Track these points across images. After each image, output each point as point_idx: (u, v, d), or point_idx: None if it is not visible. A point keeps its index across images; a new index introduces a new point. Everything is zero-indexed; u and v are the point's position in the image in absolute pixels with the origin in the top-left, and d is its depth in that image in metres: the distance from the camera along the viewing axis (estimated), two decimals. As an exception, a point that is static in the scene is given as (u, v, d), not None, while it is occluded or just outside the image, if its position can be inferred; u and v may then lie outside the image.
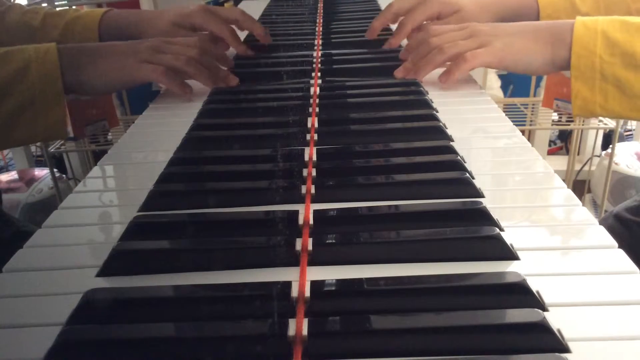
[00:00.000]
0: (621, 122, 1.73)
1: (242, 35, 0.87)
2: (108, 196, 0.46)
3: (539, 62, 0.60)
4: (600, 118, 1.49)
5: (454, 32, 0.65)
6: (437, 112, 0.55)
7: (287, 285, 0.30)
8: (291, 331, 0.27)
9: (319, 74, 0.70)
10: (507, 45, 0.61)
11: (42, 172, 1.68)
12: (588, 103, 0.57)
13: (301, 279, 0.31)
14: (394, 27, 0.82)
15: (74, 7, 1.67)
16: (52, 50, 0.57)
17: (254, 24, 0.81)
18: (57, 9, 0.79)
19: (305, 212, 0.39)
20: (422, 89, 0.62)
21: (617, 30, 0.55)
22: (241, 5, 1.38)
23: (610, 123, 1.50)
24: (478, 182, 0.41)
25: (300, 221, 0.37)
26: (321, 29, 0.96)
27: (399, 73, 0.67)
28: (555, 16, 0.75)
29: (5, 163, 2.25)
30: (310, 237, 0.35)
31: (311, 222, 0.37)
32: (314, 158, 0.47)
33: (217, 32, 0.77)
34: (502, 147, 0.50)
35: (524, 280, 0.30)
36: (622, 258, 0.33)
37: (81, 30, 0.75)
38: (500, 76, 1.83)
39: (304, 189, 0.41)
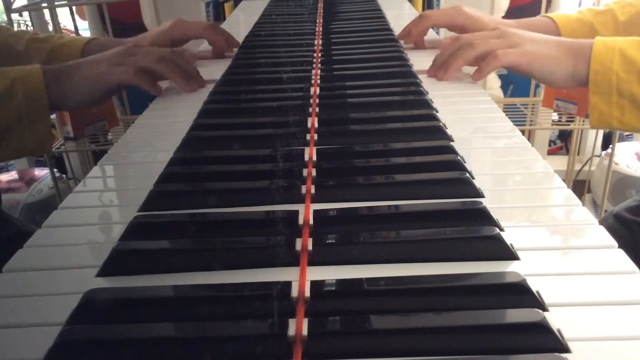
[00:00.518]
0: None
1: (244, 34, 0.87)
2: (108, 196, 0.46)
3: (562, 74, 0.61)
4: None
5: (485, 32, 0.66)
6: (437, 112, 0.55)
7: (287, 285, 0.30)
8: (291, 331, 0.27)
9: (319, 74, 0.70)
10: (536, 49, 0.62)
11: (42, 172, 1.68)
12: (605, 116, 0.59)
13: (301, 279, 0.31)
14: (396, 28, 0.83)
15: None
16: (37, 69, 0.59)
17: (222, 29, 0.86)
18: (43, 34, 0.82)
19: (305, 212, 0.39)
20: (422, 89, 0.62)
21: (635, 49, 0.57)
22: (241, 5, 1.38)
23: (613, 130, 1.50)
24: (478, 182, 0.41)
25: (300, 221, 0.37)
26: (321, 29, 0.96)
27: (429, 72, 0.69)
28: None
29: (6, 163, 2.24)
30: (310, 237, 0.35)
31: (311, 222, 0.37)
32: (314, 158, 0.47)
33: (195, 35, 0.83)
34: (502, 147, 0.50)
35: (524, 280, 0.30)
36: (622, 258, 0.32)
37: (63, 56, 0.77)
38: (500, 76, 1.83)
39: (304, 189, 0.41)
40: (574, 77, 0.61)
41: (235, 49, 0.87)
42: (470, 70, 0.71)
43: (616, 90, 0.57)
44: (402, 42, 0.85)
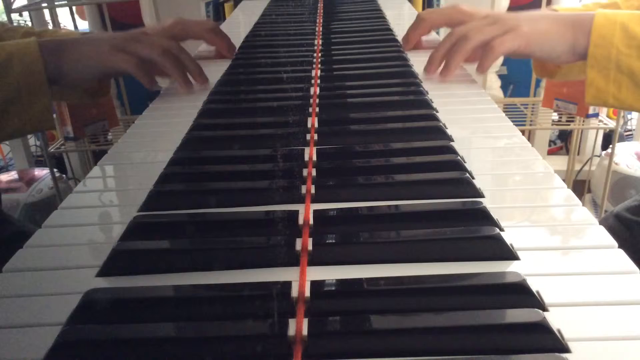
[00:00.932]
0: (621, 122, 1.73)
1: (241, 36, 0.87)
2: (108, 196, 0.46)
3: (562, 47, 0.60)
4: (601, 118, 1.49)
5: (478, 21, 0.65)
6: (437, 112, 0.55)
7: (287, 285, 0.30)
8: (291, 331, 0.27)
9: (319, 74, 0.70)
10: (532, 28, 0.61)
11: (42, 172, 1.68)
12: (601, 92, 0.58)
13: (301, 279, 0.31)
14: (396, 27, 0.83)
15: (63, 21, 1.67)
16: (33, 43, 0.58)
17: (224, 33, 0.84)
18: (38, 28, 0.81)
19: (305, 212, 0.39)
20: (422, 89, 0.62)
21: (636, 24, 0.55)
22: (241, 5, 1.38)
23: (610, 123, 1.50)
24: (478, 182, 0.41)
25: (300, 221, 0.37)
26: (321, 29, 0.96)
27: (429, 70, 0.68)
28: None
29: (6, 163, 2.25)
30: (310, 237, 0.35)
31: (311, 222, 0.37)
32: (314, 158, 0.47)
33: (197, 36, 0.81)
34: (502, 147, 0.50)
35: (524, 280, 0.30)
36: (622, 258, 0.32)
37: None
38: (500, 76, 1.83)
39: (304, 189, 0.41)
40: (575, 50, 0.59)
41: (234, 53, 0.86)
42: (470, 69, 0.71)
43: (615, 65, 0.56)
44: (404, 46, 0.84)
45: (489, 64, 0.63)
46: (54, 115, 1.28)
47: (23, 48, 0.58)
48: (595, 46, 0.57)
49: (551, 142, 2.07)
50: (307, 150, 0.48)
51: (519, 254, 0.33)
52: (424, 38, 0.85)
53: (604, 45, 0.57)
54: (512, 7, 1.68)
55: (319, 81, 0.67)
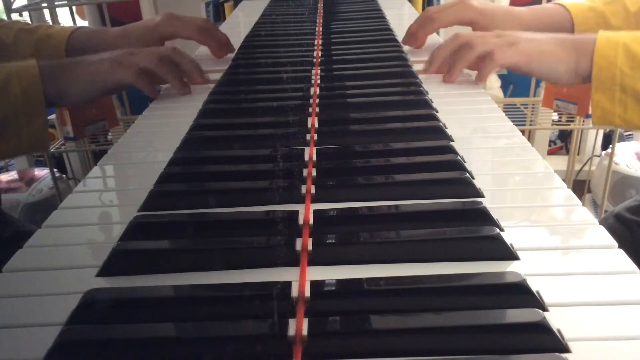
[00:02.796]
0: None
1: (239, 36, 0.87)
2: (108, 196, 0.46)
3: (564, 69, 0.60)
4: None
5: (483, 32, 0.65)
6: (437, 112, 0.55)
7: (287, 285, 0.30)
8: (291, 331, 0.27)
9: (319, 74, 0.70)
10: (535, 47, 0.61)
11: (42, 172, 1.68)
12: (607, 114, 0.58)
13: (301, 279, 0.31)
14: (396, 27, 0.82)
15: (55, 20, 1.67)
16: (33, 64, 0.59)
17: (216, 31, 0.83)
18: (33, 23, 0.81)
19: (305, 212, 0.39)
20: (422, 89, 0.62)
21: (639, 44, 0.56)
22: (241, 5, 1.38)
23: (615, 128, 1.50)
24: (478, 182, 0.41)
25: (300, 221, 0.37)
26: (321, 29, 0.96)
27: (429, 70, 0.68)
28: (589, 32, 0.75)
29: (5, 163, 2.24)
30: (310, 237, 0.35)
31: (311, 222, 0.37)
32: (314, 158, 0.47)
33: (186, 36, 0.80)
34: (502, 147, 0.50)
35: (524, 280, 0.30)
36: (622, 258, 0.32)
37: (50, 47, 0.77)
38: (500, 76, 1.83)
39: (304, 189, 0.41)
40: (577, 72, 0.60)
41: (231, 54, 0.85)
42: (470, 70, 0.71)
43: (620, 87, 0.56)
44: (406, 46, 0.83)
45: (487, 72, 0.63)
46: (54, 116, 1.28)
47: (22, 70, 0.58)
48: (598, 68, 0.57)
49: (551, 142, 2.07)
50: (307, 150, 0.48)
51: (519, 254, 0.33)
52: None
53: (607, 68, 0.57)
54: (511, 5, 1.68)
55: (319, 81, 0.67)
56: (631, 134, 2.08)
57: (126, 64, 0.63)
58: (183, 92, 0.68)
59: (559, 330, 0.27)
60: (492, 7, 0.79)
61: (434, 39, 0.90)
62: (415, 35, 0.81)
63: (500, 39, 0.63)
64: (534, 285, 0.30)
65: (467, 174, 0.41)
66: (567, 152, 1.96)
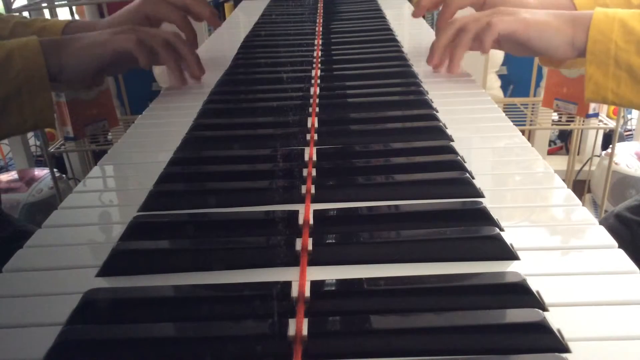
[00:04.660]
0: (621, 122, 1.73)
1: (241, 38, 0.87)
2: (108, 196, 0.46)
3: (561, 40, 0.60)
4: (600, 118, 1.49)
5: (478, 13, 0.65)
6: (437, 112, 0.55)
7: (287, 285, 0.30)
8: (291, 331, 0.27)
9: (319, 74, 0.70)
10: (532, 17, 0.61)
11: (42, 172, 1.68)
12: (600, 88, 0.58)
13: (301, 279, 0.31)
14: (396, 27, 0.82)
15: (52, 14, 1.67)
16: (34, 40, 0.59)
17: (203, 7, 0.80)
18: (30, 17, 0.80)
19: (305, 212, 0.39)
20: (422, 89, 0.62)
21: (635, 20, 0.56)
22: (241, 5, 1.38)
23: (610, 123, 1.50)
24: (478, 182, 0.41)
25: (300, 221, 0.37)
26: (321, 29, 0.96)
27: (430, 61, 0.68)
28: None
29: (5, 163, 2.25)
30: (310, 237, 0.35)
31: (311, 222, 0.37)
32: (314, 158, 0.47)
33: (169, 18, 0.78)
34: (502, 147, 0.50)
35: (524, 280, 0.30)
36: (622, 258, 0.32)
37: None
38: (500, 76, 1.83)
39: (304, 189, 0.41)
40: (574, 44, 0.60)
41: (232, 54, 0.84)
42: (470, 70, 0.71)
43: (614, 60, 0.56)
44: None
45: (489, 41, 0.63)
46: (54, 115, 1.28)
47: (24, 45, 0.58)
48: (593, 41, 0.57)
49: (551, 142, 2.07)
50: (307, 150, 0.48)
51: (519, 254, 0.33)
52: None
53: (602, 41, 0.57)
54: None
55: (319, 81, 0.67)
56: (631, 134, 2.08)
57: (127, 33, 0.63)
58: (182, 82, 0.68)
59: (559, 330, 0.27)
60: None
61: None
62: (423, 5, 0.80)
63: (497, 12, 0.63)
64: (534, 285, 0.30)
65: (467, 174, 0.41)
66: (567, 152, 1.96)
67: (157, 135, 0.56)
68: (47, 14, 1.70)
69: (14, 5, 1.46)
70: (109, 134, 1.56)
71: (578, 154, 1.87)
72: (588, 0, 0.76)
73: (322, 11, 1.12)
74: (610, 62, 0.57)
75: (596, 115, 1.46)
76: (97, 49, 0.62)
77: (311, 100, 0.60)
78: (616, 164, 1.63)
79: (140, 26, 0.67)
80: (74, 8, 1.93)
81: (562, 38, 0.60)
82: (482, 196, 0.40)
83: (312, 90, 0.64)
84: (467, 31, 0.63)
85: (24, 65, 0.57)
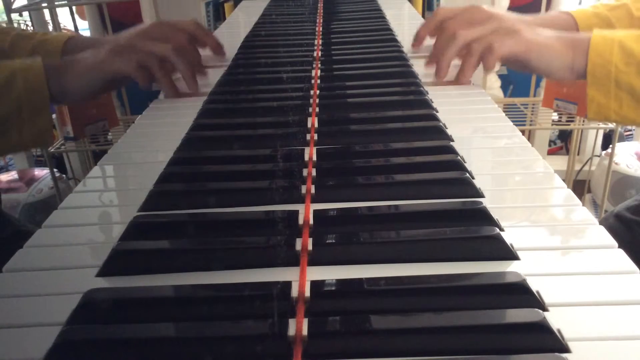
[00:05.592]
0: (621, 122, 1.73)
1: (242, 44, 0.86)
2: (108, 196, 0.46)
3: (560, 63, 0.60)
4: (600, 118, 1.49)
5: (481, 27, 0.64)
6: (437, 112, 0.55)
7: (287, 285, 0.30)
8: (291, 331, 0.27)
9: (319, 74, 0.70)
10: (533, 38, 0.61)
11: (42, 172, 1.68)
12: (603, 109, 0.58)
13: (301, 279, 0.31)
14: (396, 27, 0.82)
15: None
16: (38, 62, 0.59)
17: (209, 38, 0.81)
18: (30, 29, 0.80)
19: (305, 212, 0.39)
20: (422, 89, 0.62)
21: (634, 41, 0.56)
22: (241, 5, 1.38)
23: (610, 123, 1.50)
24: (478, 182, 0.41)
25: (300, 221, 0.37)
26: (321, 29, 0.96)
27: (440, 76, 0.68)
28: None
29: (6, 163, 2.24)
30: (310, 237, 0.35)
31: (311, 222, 0.37)
32: (314, 158, 0.47)
33: (176, 43, 0.78)
34: (502, 147, 0.50)
35: (524, 280, 0.30)
36: (622, 258, 0.33)
37: (46, 52, 0.76)
38: (500, 76, 1.83)
39: (304, 189, 0.41)
40: (573, 68, 0.60)
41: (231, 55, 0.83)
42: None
43: (614, 83, 0.57)
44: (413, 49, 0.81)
45: (491, 64, 0.63)
46: (54, 115, 1.28)
47: (27, 66, 0.58)
48: (593, 64, 0.57)
49: (551, 142, 2.07)
50: (307, 150, 0.48)
51: (519, 254, 0.33)
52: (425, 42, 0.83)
53: (602, 64, 0.57)
54: (511, 8, 1.68)
55: (319, 81, 0.67)
56: (631, 134, 2.08)
57: (126, 55, 0.63)
58: (195, 87, 0.68)
59: (559, 330, 0.27)
60: (502, 12, 0.78)
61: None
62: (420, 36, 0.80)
63: (500, 32, 0.62)
64: (534, 285, 0.30)
65: (467, 174, 0.41)
66: (567, 152, 1.96)
67: (157, 135, 0.56)
68: (47, 14, 1.70)
69: (14, 5, 1.46)
70: (109, 134, 1.56)
71: (578, 154, 1.87)
72: (588, 15, 0.76)
73: (322, 11, 1.12)
74: (611, 85, 0.57)
75: (596, 115, 1.46)
76: (98, 73, 0.62)
77: (311, 100, 0.60)
78: (616, 164, 1.63)
79: (139, 40, 0.66)
80: (74, 8, 1.93)
81: (562, 61, 0.60)
82: (482, 196, 0.40)
83: (312, 90, 0.64)
84: (472, 55, 0.63)
85: (26, 87, 0.57)
